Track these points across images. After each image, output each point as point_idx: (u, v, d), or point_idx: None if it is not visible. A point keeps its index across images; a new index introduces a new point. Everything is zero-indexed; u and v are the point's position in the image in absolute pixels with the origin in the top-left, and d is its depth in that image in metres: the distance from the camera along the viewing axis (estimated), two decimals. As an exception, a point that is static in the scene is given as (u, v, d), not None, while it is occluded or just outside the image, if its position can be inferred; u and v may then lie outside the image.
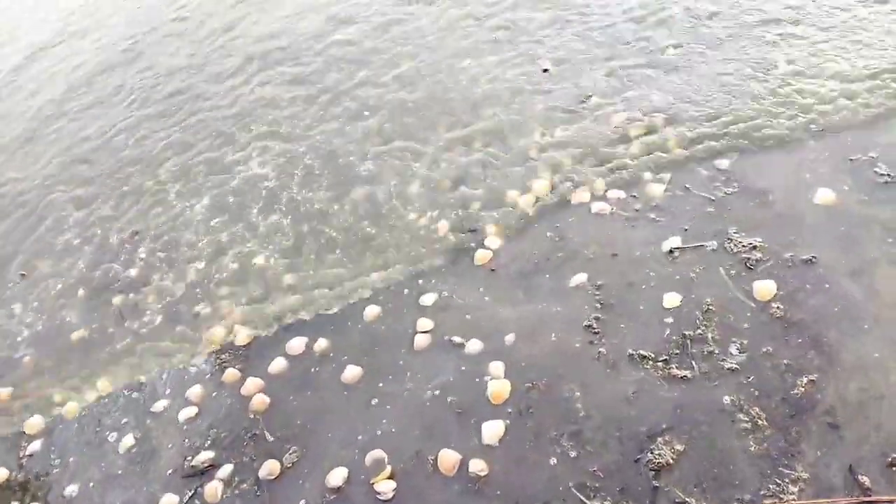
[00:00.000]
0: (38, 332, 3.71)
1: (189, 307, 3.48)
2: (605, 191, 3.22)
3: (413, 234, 3.37)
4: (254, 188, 4.04)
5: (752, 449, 2.13)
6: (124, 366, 3.32)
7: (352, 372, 2.86)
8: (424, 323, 2.94)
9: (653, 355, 2.47)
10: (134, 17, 7.44)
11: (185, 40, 6.40)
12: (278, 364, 3.02)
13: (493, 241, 3.20)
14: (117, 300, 3.69)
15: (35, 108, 6.19)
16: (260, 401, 2.89)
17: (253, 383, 2.97)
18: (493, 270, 3.07)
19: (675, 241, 2.85)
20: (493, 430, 2.44)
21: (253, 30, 6.05)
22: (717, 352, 2.41)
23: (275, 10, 6.24)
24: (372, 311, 3.07)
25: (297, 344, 3.07)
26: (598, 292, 2.78)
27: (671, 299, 2.63)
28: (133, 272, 3.81)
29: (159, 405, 3.08)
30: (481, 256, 3.14)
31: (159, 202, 4.28)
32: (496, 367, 2.65)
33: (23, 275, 4.02)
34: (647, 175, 3.22)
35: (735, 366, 2.34)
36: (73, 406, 3.22)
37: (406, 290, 3.12)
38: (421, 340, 2.88)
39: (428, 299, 3.04)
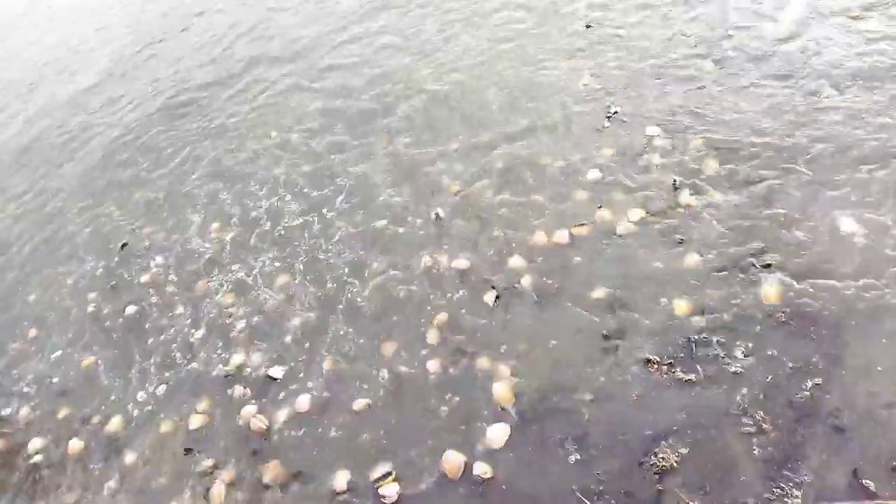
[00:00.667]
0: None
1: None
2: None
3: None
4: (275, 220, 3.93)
5: (757, 452, 2.12)
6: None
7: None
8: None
9: (658, 358, 2.48)
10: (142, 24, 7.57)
11: (196, 49, 6.50)
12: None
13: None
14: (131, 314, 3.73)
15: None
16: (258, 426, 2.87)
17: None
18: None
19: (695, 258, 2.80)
20: (498, 434, 2.45)
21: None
22: (722, 355, 2.41)
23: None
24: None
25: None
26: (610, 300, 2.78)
27: (681, 306, 2.62)
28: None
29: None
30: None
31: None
32: (503, 369, 2.66)
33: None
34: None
35: (740, 369, 2.35)
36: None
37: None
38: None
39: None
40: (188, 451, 2.89)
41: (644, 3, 4.53)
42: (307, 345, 3.13)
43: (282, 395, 2.96)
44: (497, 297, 2.94)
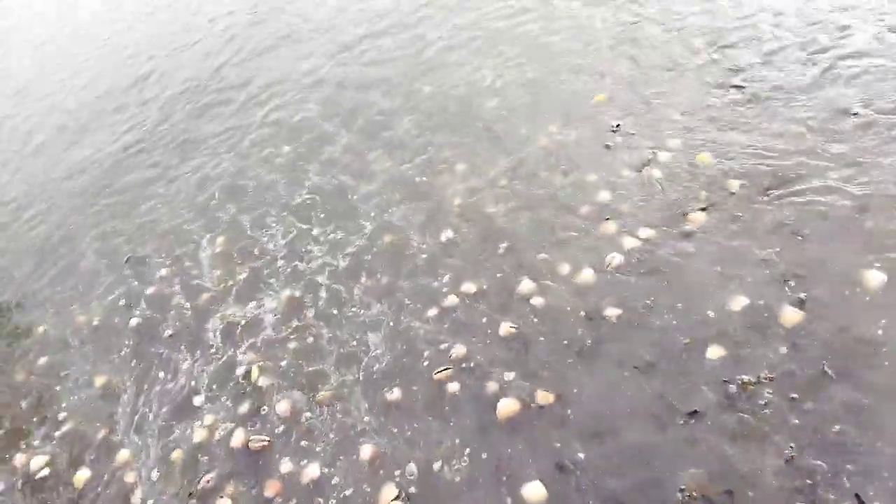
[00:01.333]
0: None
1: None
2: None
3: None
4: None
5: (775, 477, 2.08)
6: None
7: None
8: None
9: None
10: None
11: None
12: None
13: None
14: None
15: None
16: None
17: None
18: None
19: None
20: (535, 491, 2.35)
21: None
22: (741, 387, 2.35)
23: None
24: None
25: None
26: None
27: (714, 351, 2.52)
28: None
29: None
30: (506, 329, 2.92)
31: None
32: (543, 394, 2.59)
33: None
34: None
35: (762, 401, 2.29)
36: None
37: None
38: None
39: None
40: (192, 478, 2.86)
41: (679, 25, 4.41)
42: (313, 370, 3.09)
43: (292, 436, 2.88)
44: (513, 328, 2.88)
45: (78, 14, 9.28)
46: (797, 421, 2.19)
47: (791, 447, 2.14)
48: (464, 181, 3.75)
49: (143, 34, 7.70)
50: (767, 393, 2.30)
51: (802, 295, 2.53)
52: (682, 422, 2.31)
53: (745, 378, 2.36)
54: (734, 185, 3.09)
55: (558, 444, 2.41)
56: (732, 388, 2.35)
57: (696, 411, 2.32)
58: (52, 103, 6.83)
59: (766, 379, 2.33)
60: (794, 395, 2.25)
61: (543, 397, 2.56)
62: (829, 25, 3.85)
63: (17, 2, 11.45)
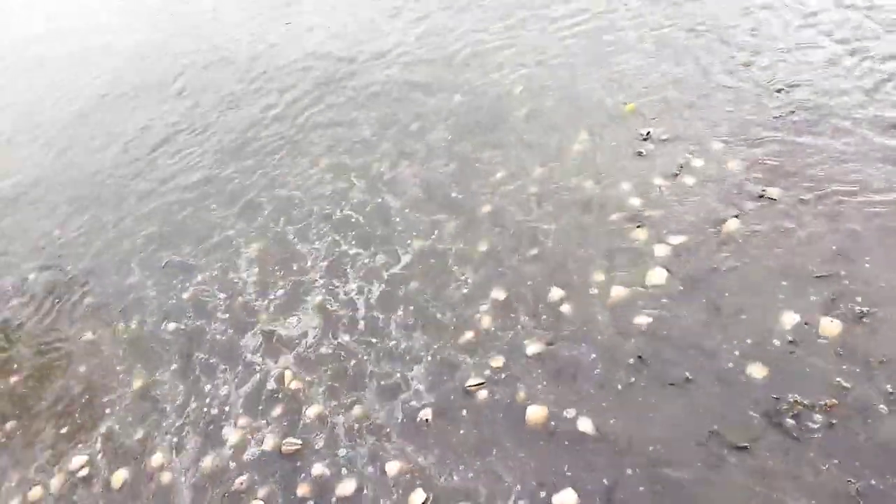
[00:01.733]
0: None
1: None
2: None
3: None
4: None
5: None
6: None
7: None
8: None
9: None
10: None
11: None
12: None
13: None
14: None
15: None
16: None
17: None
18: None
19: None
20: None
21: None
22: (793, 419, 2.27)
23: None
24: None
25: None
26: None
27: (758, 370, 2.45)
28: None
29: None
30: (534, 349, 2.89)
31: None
32: (584, 422, 2.53)
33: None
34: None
35: (815, 425, 2.21)
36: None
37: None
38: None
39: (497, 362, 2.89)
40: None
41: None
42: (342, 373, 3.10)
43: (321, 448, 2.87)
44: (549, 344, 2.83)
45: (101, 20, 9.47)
46: (858, 450, 2.10)
47: (852, 480, 2.06)
48: (498, 191, 3.74)
49: (174, 37, 7.83)
50: (819, 417, 2.22)
51: (858, 309, 2.46)
52: (731, 457, 2.22)
53: (797, 398, 2.28)
54: (774, 192, 3.03)
55: (594, 467, 2.37)
56: (785, 412, 2.26)
57: (746, 447, 2.23)
58: (80, 109, 6.95)
59: (824, 407, 2.24)
60: (855, 421, 2.16)
61: (583, 424, 2.51)
62: (882, 37, 3.75)
63: (19, 2, 11.57)
